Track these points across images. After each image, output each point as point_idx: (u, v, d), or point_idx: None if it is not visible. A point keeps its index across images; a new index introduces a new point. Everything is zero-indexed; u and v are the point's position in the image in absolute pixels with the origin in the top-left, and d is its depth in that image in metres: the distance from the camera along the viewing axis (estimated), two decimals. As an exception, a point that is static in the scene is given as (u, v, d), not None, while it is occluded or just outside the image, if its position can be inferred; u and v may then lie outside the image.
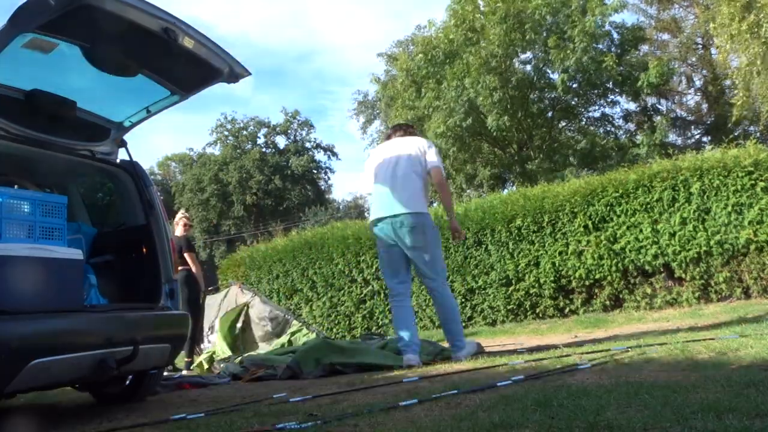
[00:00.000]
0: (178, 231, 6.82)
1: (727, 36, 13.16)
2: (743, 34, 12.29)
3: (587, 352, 3.57)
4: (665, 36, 23.06)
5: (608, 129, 18.80)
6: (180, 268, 6.27)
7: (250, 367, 4.59)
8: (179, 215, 7.11)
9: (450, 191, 4.62)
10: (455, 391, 2.59)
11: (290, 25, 70.79)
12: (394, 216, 4.14)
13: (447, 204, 4.54)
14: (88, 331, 3.01)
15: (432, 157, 4.29)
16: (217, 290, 7.66)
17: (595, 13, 15.43)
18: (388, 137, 4.60)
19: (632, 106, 18.81)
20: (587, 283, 7.53)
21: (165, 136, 79.33)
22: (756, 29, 12.15)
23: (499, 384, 2.66)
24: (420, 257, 4.19)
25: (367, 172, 4.47)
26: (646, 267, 7.21)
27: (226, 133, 39.83)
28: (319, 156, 41.36)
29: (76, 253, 3.05)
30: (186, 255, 6.58)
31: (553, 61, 15.82)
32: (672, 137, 20.81)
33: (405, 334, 4.13)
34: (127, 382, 3.75)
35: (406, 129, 4.63)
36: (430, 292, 4.37)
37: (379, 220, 4.24)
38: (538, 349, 4.38)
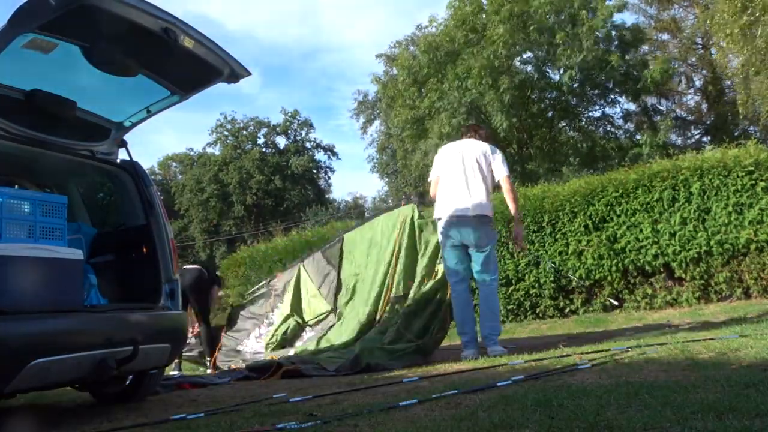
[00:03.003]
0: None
1: (724, 35, 13.12)
2: (741, 32, 12.24)
3: (587, 352, 3.57)
4: (665, 36, 23.08)
5: (608, 129, 18.77)
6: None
7: (299, 363, 4.59)
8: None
9: (518, 198, 4.95)
10: (455, 391, 2.59)
11: (297, 23, 70.64)
12: (463, 217, 4.40)
13: (516, 211, 4.71)
14: (88, 331, 3.01)
15: (499, 165, 4.57)
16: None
17: (598, 15, 15.45)
18: (462, 135, 4.83)
19: (632, 106, 18.81)
20: (587, 283, 7.53)
21: (169, 136, 79.17)
22: (754, 28, 12.10)
23: (499, 384, 2.66)
24: (480, 256, 4.44)
25: (436, 167, 4.70)
26: (646, 267, 7.21)
27: (226, 133, 39.81)
28: (320, 156, 41.41)
29: (76, 253, 3.05)
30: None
31: (558, 57, 15.77)
32: (672, 137, 20.79)
33: (466, 329, 4.37)
34: (127, 382, 3.76)
35: (477, 130, 4.83)
36: (481, 287, 4.53)
37: (447, 218, 4.45)
38: (538, 348, 4.39)
